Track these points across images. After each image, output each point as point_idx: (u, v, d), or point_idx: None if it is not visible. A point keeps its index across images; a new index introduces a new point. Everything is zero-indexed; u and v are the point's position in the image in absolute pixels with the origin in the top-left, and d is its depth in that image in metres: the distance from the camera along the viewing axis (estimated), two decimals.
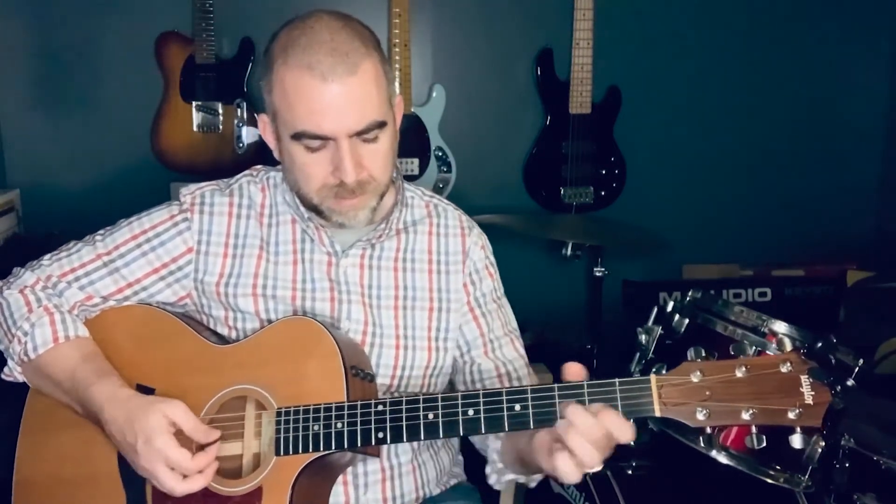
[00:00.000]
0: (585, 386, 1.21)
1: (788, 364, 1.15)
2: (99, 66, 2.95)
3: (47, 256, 1.53)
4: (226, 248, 1.52)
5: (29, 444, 1.48)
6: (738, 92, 3.27)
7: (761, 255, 3.30)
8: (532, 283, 3.11)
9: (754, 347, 1.69)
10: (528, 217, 2.97)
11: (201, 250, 1.51)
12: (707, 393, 1.16)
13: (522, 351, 1.62)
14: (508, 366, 1.58)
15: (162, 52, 2.88)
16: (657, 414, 1.18)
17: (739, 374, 1.16)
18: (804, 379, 1.15)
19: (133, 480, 1.36)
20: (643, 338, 1.93)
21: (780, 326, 1.73)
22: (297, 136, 1.36)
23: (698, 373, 1.17)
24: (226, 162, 2.93)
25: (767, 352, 1.70)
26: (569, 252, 2.65)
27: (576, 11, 2.96)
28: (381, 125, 1.38)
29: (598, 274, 2.72)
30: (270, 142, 1.47)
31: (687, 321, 1.87)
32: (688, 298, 1.91)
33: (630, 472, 1.86)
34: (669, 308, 1.93)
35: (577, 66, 3.00)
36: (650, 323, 1.96)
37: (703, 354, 1.21)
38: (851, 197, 3.41)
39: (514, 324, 1.65)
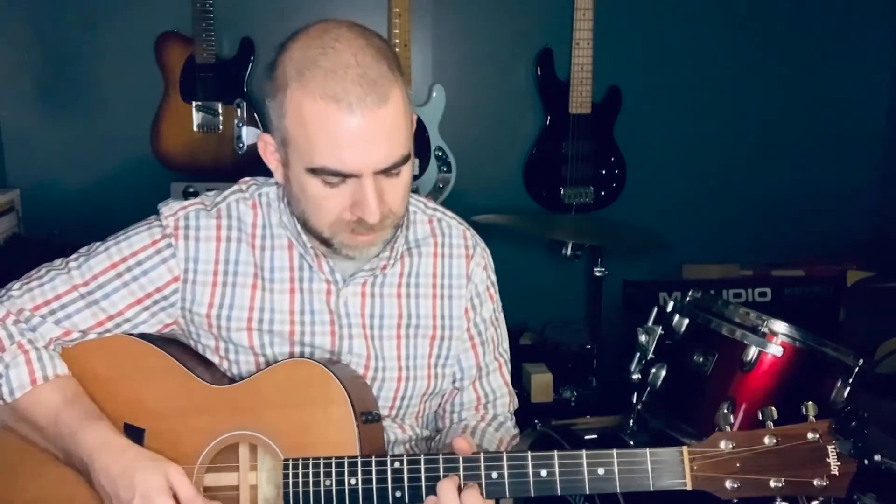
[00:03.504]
0: (615, 455, 1.19)
1: (816, 433, 1.16)
2: (99, 66, 2.95)
3: (17, 285, 1.39)
4: (215, 276, 1.39)
5: (3, 485, 1.39)
6: (738, 92, 3.27)
7: (761, 255, 3.30)
8: (532, 283, 3.11)
9: (755, 348, 1.71)
10: (528, 217, 2.97)
11: (188, 279, 1.39)
12: (737, 464, 1.17)
13: (508, 377, 1.59)
14: (491, 396, 1.56)
15: (162, 52, 2.88)
16: (688, 487, 1.18)
17: (768, 443, 1.17)
18: (831, 449, 1.16)
19: None
20: (643, 338, 1.93)
21: (780, 326, 1.73)
22: (315, 171, 1.25)
23: (730, 443, 1.17)
24: (226, 162, 2.93)
25: (766, 351, 1.70)
26: (569, 252, 2.65)
27: (576, 11, 2.96)
28: (406, 159, 1.28)
29: (598, 274, 2.72)
30: (272, 163, 1.35)
31: (687, 321, 1.87)
32: (688, 298, 1.92)
33: None
34: (669, 308, 1.93)
35: (577, 66, 3.00)
36: (650, 323, 1.96)
37: (732, 424, 1.21)
38: (851, 197, 3.41)
39: (506, 344, 1.61)
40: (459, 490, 1.21)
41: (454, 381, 1.55)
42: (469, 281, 1.51)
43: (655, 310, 1.98)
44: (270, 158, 1.35)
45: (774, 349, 1.72)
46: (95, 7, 2.92)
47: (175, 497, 1.25)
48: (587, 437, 2.07)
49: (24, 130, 2.96)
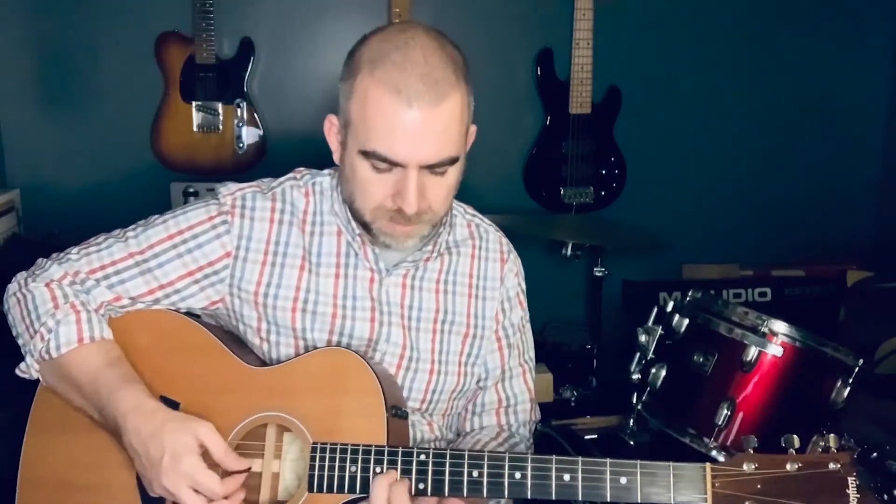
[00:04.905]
0: (639, 466, 1.21)
1: (838, 464, 1.17)
2: (99, 66, 2.95)
3: (75, 250, 1.46)
4: (265, 255, 1.46)
5: (37, 443, 1.43)
6: (737, 92, 3.27)
7: (761, 255, 3.30)
8: (532, 283, 3.10)
9: (755, 348, 1.71)
10: (528, 217, 2.97)
11: (240, 255, 1.45)
12: (758, 486, 1.18)
13: (531, 384, 1.62)
14: (512, 400, 1.59)
15: (162, 52, 2.88)
16: (708, 503, 1.19)
17: (790, 468, 1.18)
18: (851, 481, 1.16)
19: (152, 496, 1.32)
20: (643, 338, 1.93)
21: (780, 326, 1.73)
22: (367, 154, 1.32)
23: (752, 465, 1.19)
24: (226, 162, 2.93)
25: (766, 351, 1.70)
26: (569, 252, 2.65)
27: (576, 11, 2.96)
28: (454, 161, 1.36)
29: (598, 274, 2.72)
30: (333, 143, 1.42)
31: (687, 321, 1.87)
32: (688, 298, 1.91)
33: None
34: (669, 308, 1.93)
35: (577, 66, 3.00)
36: (650, 323, 1.96)
37: (756, 448, 1.21)
38: (851, 197, 3.41)
39: (532, 352, 1.65)
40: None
41: (478, 382, 1.58)
42: (502, 284, 1.58)
43: (655, 310, 1.97)
44: (332, 139, 1.43)
45: (774, 349, 1.72)
46: (95, 7, 2.92)
47: (206, 455, 1.28)
48: (587, 437, 2.07)
49: (24, 130, 2.96)
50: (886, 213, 3.41)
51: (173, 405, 1.38)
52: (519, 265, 1.62)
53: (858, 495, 1.16)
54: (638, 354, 1.94)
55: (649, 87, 3.18)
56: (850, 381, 1.73)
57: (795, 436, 1.20)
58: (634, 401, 1.96)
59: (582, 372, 2.84)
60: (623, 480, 1.21)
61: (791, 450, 1.19)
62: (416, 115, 1.28)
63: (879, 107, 3.40)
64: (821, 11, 3.27)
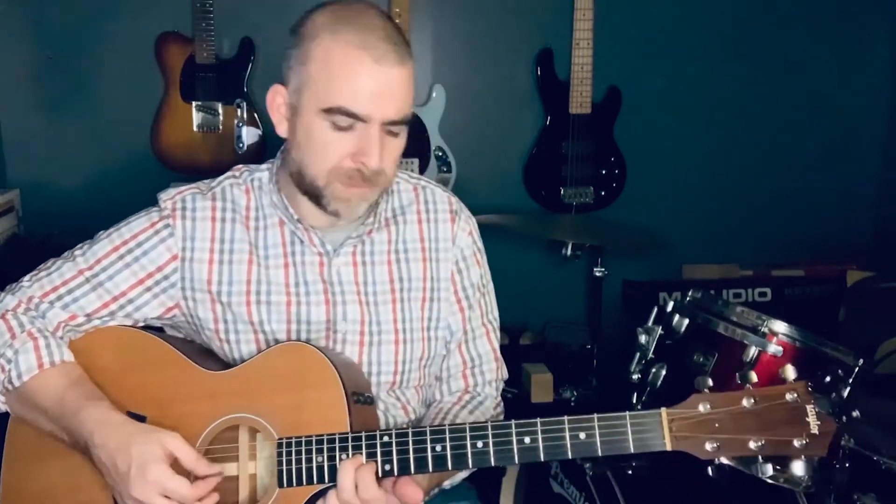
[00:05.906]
0: (596, 419, 1.22)
1: (794, 394, 1.17)
2: (99, 66, 2.95)
3: (27, 277, 1.48)
4: (211, 253, 1.47)
5: (14, 474, 1.44)
6: (737, 92, 3.27)
7: (761, 255, 3.31)
8: (532, 283, 3.11)
9: (755, 348, 1.71)
10: (528, 217, 2.97)
11: (186, 257, 1.46)
12: (716, 425, 1.18)
13: (496, 343, 1.62)
14: (477, 360, 1.58)
15: (162, 52, 2.89)
16: (668, 448, 1.19)
17: (747, 404, 1.17)
18: (810, 409, 1.16)
19: None
20: (643, 338, 1.93)
21: (780, 326, 1.73)
22: (330, 111, 1.34)
23: (707, 405, 1.19)
24: (226, 162, 2.89)
25: (766, 351, 1.70)
26: (569, 252, 2.65)
27: (576, 11, 2.96)
28: (406, 123, 1.40)
29: (598, 274, 2.72)
30: (277, 114, 1.43)
31: (687, 321, 1.87)
32: (688, 298, 1.91)
33: (630, 472, 1.86)
34: (669, 308, 1.93)
35: (577, 66, 3.00)
36: (650, 323, 1.96)
37: (711, 387, 1.21)
38: (851, 197, 3.41)
39: (496, 312, 1.64)
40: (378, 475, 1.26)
41: (447, 345, 1.58)
42: (454, 244, 1.57)
43: (655, 310, 1.98)
44: (279, 109, 1.43)
45: (774, 349, 1.72)
46: (95, 7, 2.92)
47: (176, 465, 1.28)
48: None
49: (24, 130, 2.96)
50: (886, 212, 3.40)
51: (140, 419, 1.38)
52: (473, 224, 1.60)
53: (819, 422, 1.16)
54: (638, 354, 1.94)
55: (649, 87, 3.18)
56: (850, 381, 1.73)
57: (753, 372, 1.20)
58: (634, 401, 1.96)
59: (582, 372, 2.84)
60: (582, 436, 1.21)
61: (748, 385, 1.18)
62: (382, 71, 1.33)
63: (879, 107, 3.40)
64: (821, 12, 3.27)
